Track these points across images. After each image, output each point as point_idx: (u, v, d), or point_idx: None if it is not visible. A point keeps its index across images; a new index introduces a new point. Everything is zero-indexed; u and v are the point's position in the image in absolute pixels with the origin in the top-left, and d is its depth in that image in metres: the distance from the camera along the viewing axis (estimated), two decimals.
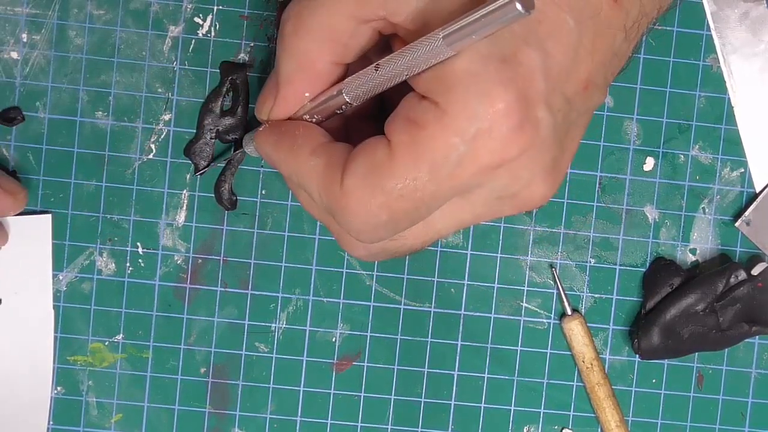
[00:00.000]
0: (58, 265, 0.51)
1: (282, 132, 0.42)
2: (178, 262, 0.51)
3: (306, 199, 0.42)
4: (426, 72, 0.37)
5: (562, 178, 0.41)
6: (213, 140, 0.50)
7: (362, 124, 0.44)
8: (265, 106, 0.43)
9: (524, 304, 0.52)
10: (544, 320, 0.52)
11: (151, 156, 0.50)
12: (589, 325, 0.52)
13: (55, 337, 0.51)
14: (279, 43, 0.41)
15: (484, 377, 0.52)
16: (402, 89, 0.39)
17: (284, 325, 0.51)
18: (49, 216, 0.50)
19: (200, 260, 0.51)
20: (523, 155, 0.38)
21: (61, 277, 0.51)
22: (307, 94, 0.42)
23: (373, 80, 0.39)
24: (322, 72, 0.41)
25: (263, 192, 0.51)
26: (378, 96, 0.41)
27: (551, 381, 0.52)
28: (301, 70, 0.41)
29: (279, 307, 0.51)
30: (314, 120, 0.42)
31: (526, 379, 0.52)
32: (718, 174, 0.52)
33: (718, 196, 0.52)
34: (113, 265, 0.51)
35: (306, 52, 0.41)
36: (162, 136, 0.50)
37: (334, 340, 0.51)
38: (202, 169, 0.50)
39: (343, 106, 0.41)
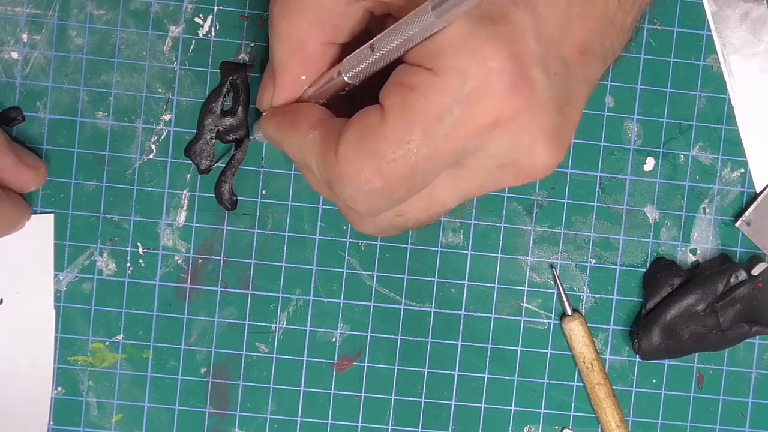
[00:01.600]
0: (58, 266, 0.51)
1: (284, 112, 0.42)
2: (179, 262, 0.51)
3: (311, 177, 0.42)
4: (418, 45, 0.37)
5: (565, 147, 0.40)
6: (213, 140, 0.50)
7: (369, 103, 0.44)
8: (266, 96, 0.43)
9: (524, 305, 0.52)
10: (545, 320, 0.52)
11: (151, 156, 0.50)
12: (589, 325, 0.52)
13: (56, 337, 0.51)
14: (270, 29, 0.41)
15: (484, 377, 0.52)
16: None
17: (284, 326, 0.51)
18: (51, 216, 0.50)
19: (200, 260, 0.51)
20: (519, 115, 0.37)
21: (61, 278, 0.51)
22: (303, 77, 0.42)
23: (369, 59, 0.39)
24: (315, 54, 0.41)
25: (263, 192, 0.51)
26: (381, 74, 0.40)
27: (551, 381, 0.52)
28: (293, 53, 0.41)
29: (279, 308, 0.51)
30: (318, 104, 0.42)
31: (527, 379, 0.52)
32: (718, 174, 0.52)
33: (719, 197, 0.52)
34: (114, 265, 0.51)
35: (297, 35, 0.41)
36: (162, 137, 0.50)
37: (334, 340, 0.51)
38: (206, 168, 0.50)
39: (346, 87, 0.41)
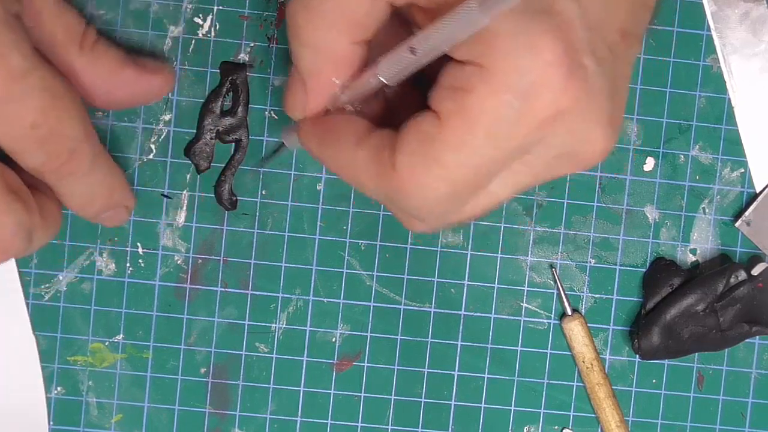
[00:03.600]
0: (58, 265, 0.51)
1: (325, 128, 0.42)
2: (178, 262, 0.51)
3: (362, 189, 0.41)
4: (463, 42, 0.37)
5: (618, 131, 0.39)
6: (213, 140, 0.50)
7: (405, 103, 0.43)
8: (297, 105, 0.42)
9: (524, 305, 0.52)
10: (545, 320, 0.52)
11: (151, 156, 0.50)
12: (589, 325, 0.52)
13: (55, 338, 0.51)
14: (293, 38, 0.40)
15: (484, 377, 0.52)
16: (441, 59, 0.38)
17: (284, 326, 0.51)
18: None
19: (200, 260, 0.51)
20: (576, 105, 0.37)
21: (61, 278, 0.51)
22: (335, 80, 0.41)
23: (409, 60, 0.38)
24: (344, 55, 0.40)
25: (263, 192, 0.51)
26: (417, 73, 0.40)
27: (551, 381, 0.52)
28: (323, 57, 0.40)
29: (279, 308, 0.51)
30: (355, 107, 0.41)
31: (527, 379, 0.52)
32: (718, 174, 0.52)
33: (719, 197, 0.52)
34: (113, 265, 0.51)
35: (324, 40, 0.40)
36: (162, 137, 0.50)
37: (334, 340, 0.51)
38: (205, 168, 0.50)
39: (386, 89, 0.41)
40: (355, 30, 0.40)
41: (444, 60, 0.38)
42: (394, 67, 0.39)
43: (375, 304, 0.51)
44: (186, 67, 0.50)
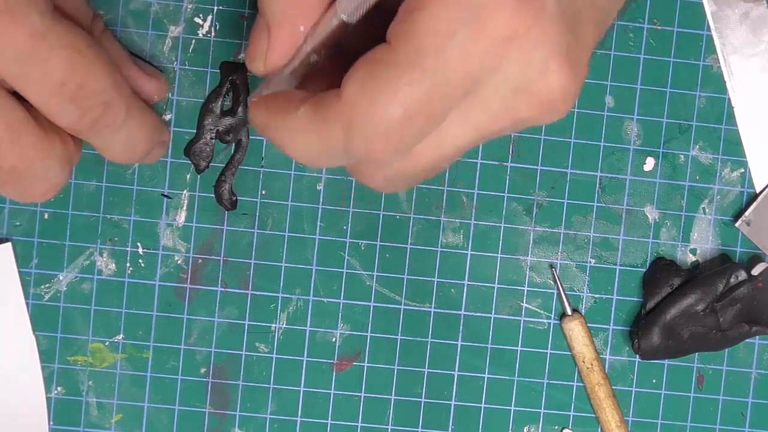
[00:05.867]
0: (58, 265, 0.51)
1: (272, 98, 0.40)
2: (179, 262, 0.51)
3: (309, 156, 0.39)
4: None
5: (581, 73, 0.38)
6: (213, 140, 0.50)
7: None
8: (258, 54, 0.41)
9: (524, 305, 0.52)
10: (545, 320, 0.52)
11: None
12: (589, 325, 0.52)
13: (56, 338, 0.51)
14: None
15: (484, 377, 0.52)
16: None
17: (284, 326, 0.51)
18: (9, 245, 0.50)
19: (200, 260, 0.51)
20: (531, 30, 0.36)
21: (61, 278, 0.51)
22: (302, 28, 0.39)
23: None
24: (312, 1, 0.39)
25: (263, 192, 0.51)
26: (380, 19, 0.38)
27: (551, 381, 0.52)
28: (291, 3, 0.39)
29: (279, 308, 0.51)
30: (314, 59, 0.40)
31: (527, 379, 0.52)
32: (718, 174, 0.52)
33: (719, 197, 0.52)
34: (113, 265, 0.51)
35: None
36: None
37: (334, 340, 0.51)
38: (204, 168, 0.50)
39: (345, 31, 0.39)
40: None
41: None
42: (353, 1, 0.38)
43: (375, 304, 0.51)
44: (186, 67, 0.50)
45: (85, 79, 0.41)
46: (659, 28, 0.51)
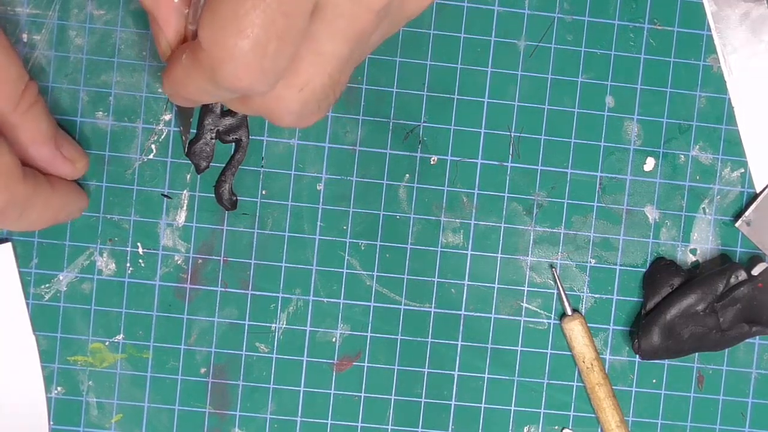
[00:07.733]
0: (58, 265, 0.51)
1: (168, 59, 0.43)
2: (179, 262, 0.51)
3: (202, 97, 0.42)
4: None
5: None
6: (213, 140, 0.50)
7: None
8: (162, 44, 0.43)
9: (524, 305, 0.52)
10: (545, 320, 0.52)
11: (151, 156, 0.50)
12: (589, 325, 0.52)
13: (56, 338, 0.51)
14: None
15: (484, 377, 0.52)
16: None
17: (284, 326, 0.51)
18: (9, 244, 0.50)
19: (200, 260, 0.51)
20: None
21: (61, 278, 0.51)
22: (176, 1, 0.42)
23: None
24: None
25: (263, 192, 0.51)
26: None
27: (551, 381, 0.52)
28: None
29: (279, 308, 0.51)
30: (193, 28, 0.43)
31: (527, 379, 0.52)
32: (718, 174, 0.52)
33: (719, 197, 0.52)
34: (113, 265, 0.51)
35: None
36: (162, 137, 0.50)
37: (334, 340, 0.51)
38: (204, 168, 0.50)
39: None
40: None
41: None
42: None
43: (375, 304, 0.51)
44: None
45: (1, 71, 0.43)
46: (659, 28, 0.51)
